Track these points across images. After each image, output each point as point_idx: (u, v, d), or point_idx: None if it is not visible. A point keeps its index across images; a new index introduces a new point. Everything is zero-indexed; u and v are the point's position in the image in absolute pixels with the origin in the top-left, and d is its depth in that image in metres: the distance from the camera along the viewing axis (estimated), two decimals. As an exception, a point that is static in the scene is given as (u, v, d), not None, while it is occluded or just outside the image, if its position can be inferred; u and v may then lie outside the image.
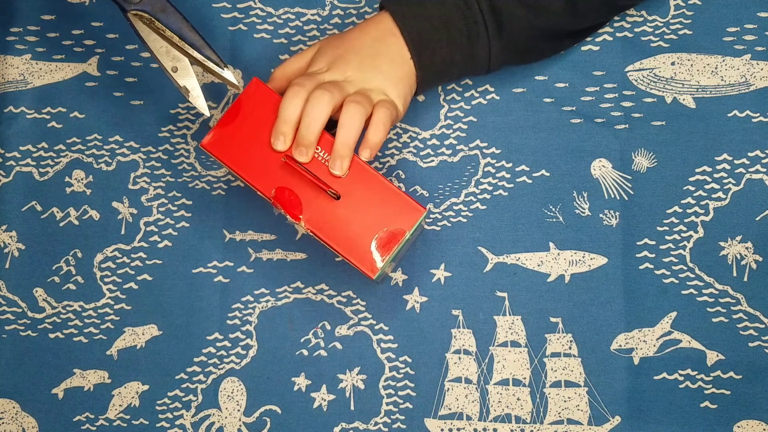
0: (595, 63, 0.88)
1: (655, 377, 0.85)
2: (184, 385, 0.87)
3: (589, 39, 0.88)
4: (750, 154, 0.86)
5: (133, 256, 0.88)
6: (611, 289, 0.86)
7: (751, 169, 0.86)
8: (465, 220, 0.87)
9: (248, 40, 0.90)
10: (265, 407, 0.86)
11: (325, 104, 0.73)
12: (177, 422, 0.86)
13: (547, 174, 0.87)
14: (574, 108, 0.88)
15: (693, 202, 0.86)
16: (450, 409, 0.85)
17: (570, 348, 0.85)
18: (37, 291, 0.88)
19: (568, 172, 0.87)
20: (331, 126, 0.76)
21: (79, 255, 0.88)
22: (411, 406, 0.85)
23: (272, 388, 0.86)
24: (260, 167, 0.75)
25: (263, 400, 0.86)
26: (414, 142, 0.89)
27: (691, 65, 0.88)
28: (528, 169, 0.88)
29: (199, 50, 0.73)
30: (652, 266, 0.86)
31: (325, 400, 0.86)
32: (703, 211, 0.86)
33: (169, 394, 0.86)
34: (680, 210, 0.86)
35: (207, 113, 0.75)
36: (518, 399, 0.85)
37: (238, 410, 0.86)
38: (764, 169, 0.86)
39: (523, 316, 0.86)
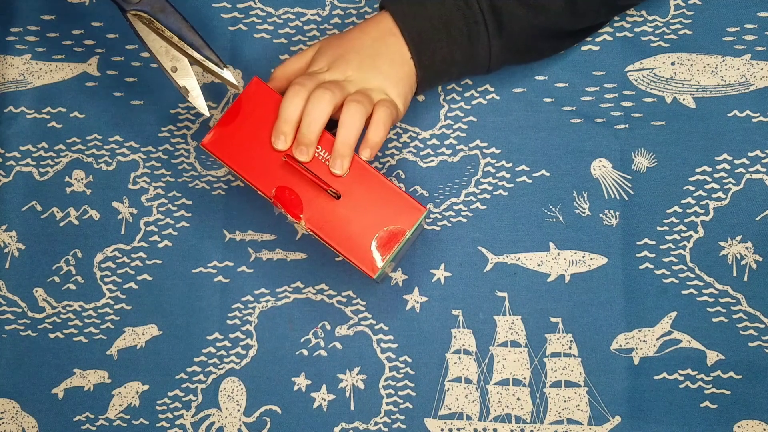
0: (595, 63, 0.88)
1: (655, 377, 0.85)
2: (184, 385, 0.86)
3: (589, 39, 0.89)
4: (750, 154, 0.86)
5: (133, 256, 0.88)
6: (611, 289, 0.86)
7: (751, 169, 0.86)
8: (465, 220, 0.87)
9: (248, 40, 0.90)
10: (265, 407, 0.86)
11: (326, 103, 0.73)
12: (177, 422, 0.86)
13: (547, 174, 0.87)
14: (574, 108, 0.88)
15: (693, 202, 0.86)
16: (450, 409, 0.85)
17: (570, 348, 0.85)
18: (37, 291, 0.88)
19: (568, 172, 0.87)
20: (332, 125, 0.76)
21: (79, 255, 0.88)
22: (411, 406, 0.85)
23: (272, 388, 0.86)
24: (261, 167, 0.75)
25: (263, 400, 0.86)
26: (414, 142, 0.89)
27: (691, 65, 0.88)
28: (528, 169, 0.88)
29: (198, 50, 0.73)
30: (652, 266, 0.86)
31: (325, 400, 0.86)
32: (703, 211, 0.86)
33: (169, 394, 0.86)
34: (680, 210, 0.86)
35: (207, 113, 0.75)
36: (518, 399, 0.85)
37: (238, 410, 0.86)
38: (764, 169, 0.86)
39: (523, 316, 0.86)
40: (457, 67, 0.81)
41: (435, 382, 0.86)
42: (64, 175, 0.89)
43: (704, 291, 0.85)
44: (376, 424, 0.85)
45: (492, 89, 0.89)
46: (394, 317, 0.87)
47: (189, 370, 0.87)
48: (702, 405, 0.84)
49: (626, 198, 0.87)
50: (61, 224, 0.88)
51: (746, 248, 0.86)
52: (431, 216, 0.87)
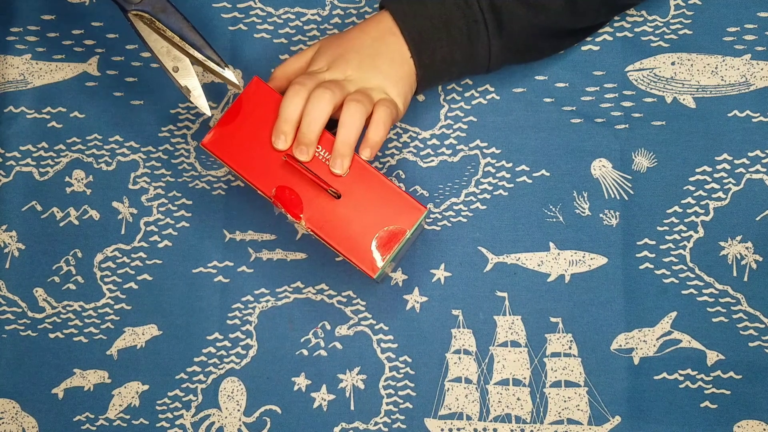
0: (595, 63, 0.88)
1: (655, 377, 0.85)
2: (184, 385, 0.86)
3: (589, 39, 0.89)
4: (750, 154, 0.86)
5: (133, 256, 0.88)
6: (611, 289, 0.86)
7: (751, 169, 0.86)
8: (465, 220, 0.87)
9: (248, 40, 0.90)
10: (265, 407, 0.86)
11: (326, 103, 0.73)
12: (177, 422, 0.86)
13: (547, 174, 0.87)
14: (574, 108, 0.88)
15: (693, 202, 0.86)
16: (450, 409, 0.85)
17: (570, 348, 0.85)
18: (37, 291, 0.88)
19: (568, 172, 0.87)
20: (332, 125, 0.76)
21: (79, 255, 0.88)
22: (411, 406, 0.85)
23: (272, 388, 0.86)
24: (261, 166, 0.75)
25: (263, 400, 0.86)
26: (414, 142, 0.89)
27: (691, 65, 0.88)
28: (528, 169, 0.88)
29: (199, 50, 0.73)
30: (652, 266, 0.86)
31: (325, 400, 0.86)
32: (703, 211, 0.86)
33: (169, 394, 0.86)
34: (680, 210, 0.86)
35: (208, 113, 0.75)
36: (518, 399, 0.85)
37: (238, 410, 0.86)
38: (764, 169, 0.86)
39: (523, 316, 0.86)
40: (457, 67, 0.81)
41: (435, 382, 0.86)
42: (64, 175, 0.89)
43: (704, 291, 0.85)
44: (376, 424, 0.85)
45: (492, 89, 0.89)
46: (394, 317, 0.87)
47: (189, 370, 0.87)
48: (702, 405, 0.84)
49: (626, 198, 0.87)
50: (61, 224, 0.88)
51: (746, 248, 0.86)
52: (431, 216, 0.87)
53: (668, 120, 0.87)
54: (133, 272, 0.88)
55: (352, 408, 0.86)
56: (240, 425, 0.86)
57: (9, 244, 0.88)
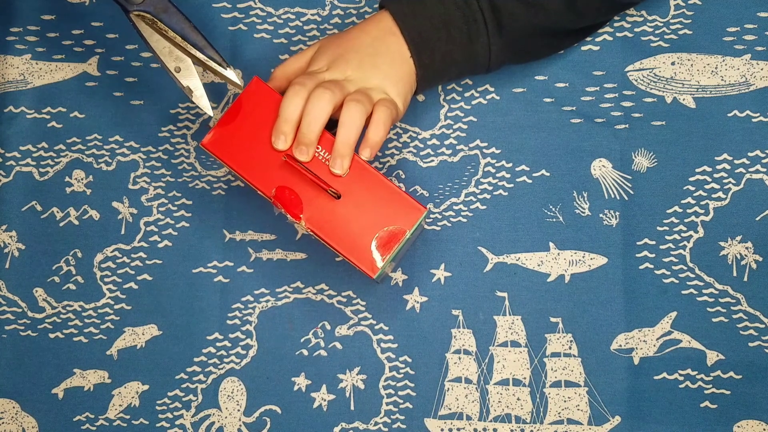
0: (595, 63, 0.88)
1: (655, 377, 0.85)
2: (184, 385, 0.86)
3: (589, 39, 0.89)
4: (750, 154, 0.86)
5: (133, 256, 0.88)
6: (611, 289, 0.86)
7: (751, 169, 0.86)
8: (465, 220, 0.87)
9: (248, 40, 0.90)
10: (265, 407, 0.86)
11: (326, 103, 0.73)
12: (177, 422, 0.86)
13: (547, 174, 0.87)
14: (574, 108, 0.88)
15: (693, 202, 0.86)
16: (450, 409, 0.85)
17: (570, 348, 0.85)
18: (37, 291, 0.88)
19: (568, 172, 0.87)
20: (332, 125, 0.76)
21: (79, 255, 0.88)
22: (411, 406, 0.85)
23: (272, 388, 0.86)
24: (261, 166, 0.75)
25: (263, 400, 0.86)
26: (414, 142, 0.89)
27: (691, 65, 0.88)
28: (528, 169, 0.88)
29: (201, 50, 0.73)
30: (652, 266, 0.86)
31: (325, 400, 0.86)
32: (703, 211, 0.86)
33: (169, 394, 0.86)
34: (680, 210, 0.86)
35: (210, 113, 0.75)
36: (518, 399, 0.85)
37: (238, 410, 0.86)
38: (764, 169, 0.86)
39: (523, 316, 0.86)
40: (456, 67, 0.81)
41: (435, 382, 0.86)
42: (64, 175, 0.89)
43: (704, 291, 0.85)
44: (376, 424, 0.85)
45: (492, 89, 0.89)
46: (394, 317, 0.87)
47: (189, 370, 0.87)
48: (702, 405, 0.84)
49: (626, 198, 0.87)
50: (61, 224, 0.88)
51: (746, 248, 0.86)
52: (431, 216, 0.87)
53: (668, 120, 0.87)
54: (133, 272, 0.88)
55: (352, 408, 0.86)
56: (240, 425, 0.86)
57: (9, 244, 0.88)
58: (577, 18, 0.83)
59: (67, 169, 0.89)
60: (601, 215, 0.87)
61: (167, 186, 0.89)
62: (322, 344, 0.86)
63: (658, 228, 0.86)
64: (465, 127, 0.89)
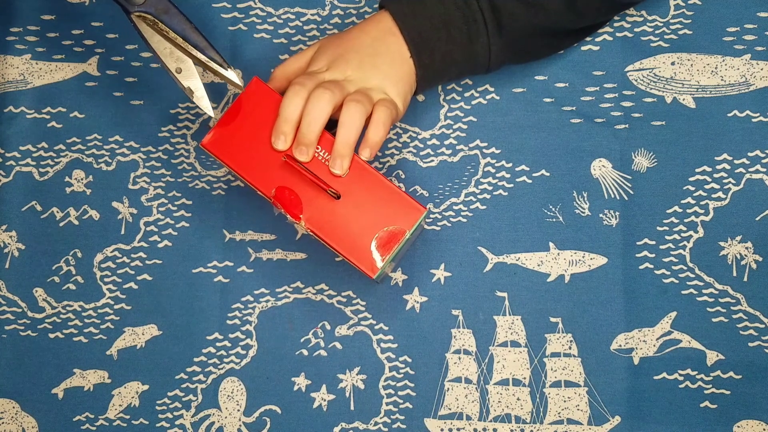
0: (595, 63, 0.88)
1: (655, 377, 0.85)
2: (184, 385, 0.86)
3: (589, 39, 0.88)
4: (750, 154, 0.86)
5: (133, 256, 0.88)
6: (611, 289, 0.86)
7: (751, 169, 0.86)
8: (465, 220, 0.87)
9: (248, 40, 0.90)
10: (265, 407, 0.86)
11: (326, 103, 0.73)
12: (177, 422, 0.86)
13: (547, 174, 0.87)
14: (574, 108, 0.88)
15: (693, 202, 0.86)
16: (450, 409, 0.85)
17: (570, 348, 0.85)
18: (37, 291, 0.88)
19: (568, 172, 0.87)
20: (332, 125, 0.76)
21: (79, 255, 0.88)
22: (411, 406, 0.85)
23: (272, 388, 0.86)
24: (260, 167, 0.75)
25: (263, 400, 0.86)
26: (414, 142, 0.89)
27: (691, 65, 0.88)
28: (528, 169, 0.88)
29: (202, 51, 0.73)
30: (652, 266, 0.86)
31: (325, 400, 0.86)
32: (703, 211, 0.86)
33: (169, 394, 0.86)
34: (680, 210, 0.86)
35: (212, 114, 0.75)
36: (518, 399, 0.85)
37: (238, 410, 0.86)
38: (764, 169, 0.86)
39: (523, 316, 0.86)
40: (456, 67, 0.81)
41: (435, 382, 0.86)
42: (64, 175, 0.89)
43: (704, 291, 0.85)
44: (376, 424, 0.85)
45: (492, 89, 0.89)
46: (394, 317, 0.87)
47: (189, 370, 0.87)
48: (702, 405, 0.84)
49: (626, 198, 0.86)
50: (61, 224, 0.88)
51: (746, 248, 0.86)
52: (431, 216, 0.87)
53: (668, 120, 0.87)
54: (133, 272, 0.88)
55: (352, 408, 0.86)
56: (240, 425, 0.86)
57: (9, 244, 0.88)
58: (577, 18, 0.83)
59: (67, 169, 0.89)
60: (601, 215, 0.87)
61: (167, 186, 0.89)
62: (322, 344, 0.86)
63: (658, 228, 0.86)
64: (465, 127, 0.89)
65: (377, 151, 0.78)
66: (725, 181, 0.86)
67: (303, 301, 0.87)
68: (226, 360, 0.86)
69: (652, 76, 0.88)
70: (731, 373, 0.84)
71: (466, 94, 0.89)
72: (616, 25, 0.89)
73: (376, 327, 0.86)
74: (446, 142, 0.88)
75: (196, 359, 0.87)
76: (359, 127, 0.74)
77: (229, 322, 0.87)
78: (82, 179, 0.89)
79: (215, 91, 0.89)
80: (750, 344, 0.85)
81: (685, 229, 0.86)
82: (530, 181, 0.87)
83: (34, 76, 0.90)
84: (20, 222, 0.88)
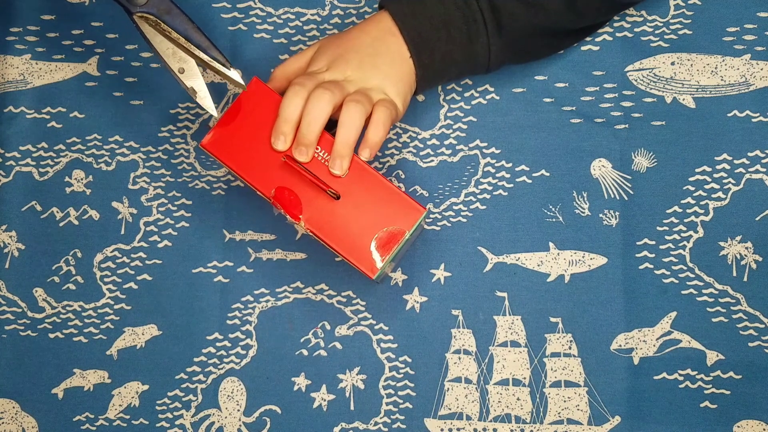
0: (595, 63, 0.88)
1: (655, 377, 0.85)
2: (184, 385, 0.87)
3: (588, 39, 0.88)
4: (750, 154, 0.86)
5: (133, 256, 0.88)
6: (611, 289, 0.86)
7: (751, 169, 0.86)
8: (465, 220, 0.87)
9: (248, 40, 0.90)
10: (265, 407, 0.86)
11: (326, 103, 0.73)
12: (177, 422, 0.86)
13: (547, 174, 0.87)
14: (574, 108, 0.88)
15: (693, 202, 0.86)
16: (450, 409, 0.85)
17: (570, 348, 0.85)
18: (37, 291, 0.88)
19: (568, 172, 0.87)
20: (331, 126, 0.76)
21: (79, 255, 0.88)
22: (411, 406, 0.85)
23: (272, 388, 0.86)
24: (260, 167, 0.75)
25: (263, 400, 0.86)
26: (414, 142, 0.89)
27: (691, 65, 0.88)
28: (528, 169, 0.88)
29: (205, 51, 0.73)
30: (652, 266, 0.86)
31: (325, 400, 0.86)
32: (703, 211, 0.86)
33: (169, 394, 0.86)
34: (680, 210, 0.86)
35: (215, 113, 0.75)
36: (518, 399, 0.85)
37: (238, 410, 0.86)
38: (764, 169, 0.86)
39: (523, 316, 0.86)
40: (456, 67, 0.81)
41: (435, 382, 0.86)
42: (64, 175, 0.89)
43: (704, 291, 0.85)
44: (376, 424, 0.85)
45: (492, 89, 0.89)
46: (394, 317, 0.87)
47: (189, 370, 0.87)
48: (702, 405, 0.84)
49: (626, 198, 0.86)
50: (61, 224, 0.89)
51: (746, 248, 0.86)
52: (431, 216, 0.87)
53: (668, 120, 0.87)
54: (132, 272, 0.88)
55: (352, 408, 0.86)
56: (240, 425, 0.86)
57: (9, 244, 0.88)
58: (577, 18, 0.83)
59: (66, 169, 0.89)
60: (600, 215, 0.87)
61: (167, 186, 0.89)
62: (322, 344, 0.86)
63: (658, 228, 0.86)
64: (465, 127, 0.89)
65: (377, 152, 0.78)
66: (725, 181, 0.86)
67: (303, 301, 0.87)
68: (226, 360, 0.86)
69: (652, 76, 0.88)
70: (731, 373, 0.84)
71: (466, 94, 0.89)
72: (616, 25, 0.88)
73: (376, 327, 0.86)
74: (446, 142, 0.88)
75: (196, 359, 0.87)
76: (359, 128, 0.74)
77: (229, 322, 0.87)
78: (82, 179, 0.89)
79: (215, 91, 0.89)
80: (750, 344, 0.85)
81: (685, 229, 0.86)
82: (530, 181, 0.87)
83: (34, 76, 0.90)
84: (20, 222, 0.88)
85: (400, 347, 0.86)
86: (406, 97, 0.80)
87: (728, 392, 0.84)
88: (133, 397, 0.86)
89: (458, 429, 0.85)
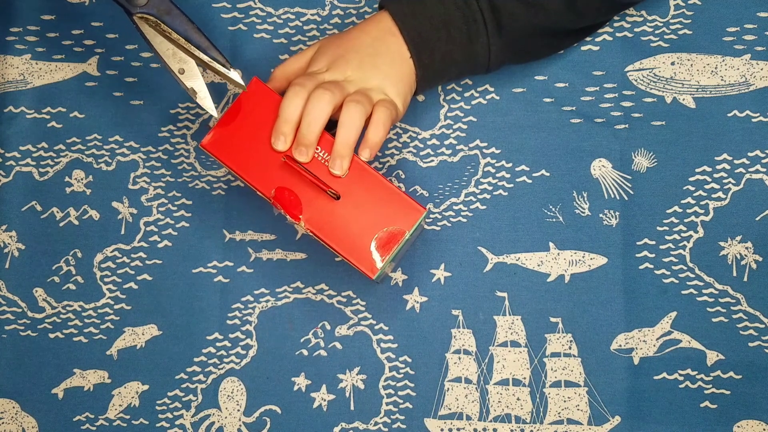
0: (595, 63, 0.88)
1: (655, 377, 0.85)
2: (184, 385, 0.87)
3: (588, 39, 0.88)
4: (750, 154, 0.86)
5: (133, 256, 0.88)
6: (611, 289, 0.86)
7: (751, 169, 0.86)
8: (465, 220, 0.87)
9: (248, 40, 0.90)
10: (265, 407, 0.86)
11: (326, 103, 0.73)
12: (177, 422, 0.86)
13: (547, 174, 0.87)
14: (574, 108, 0.88)
15: (693, 202, 0.86)
16: (450, 409, 0.85)
17: (570, 348, 0.85)
18: (37, 291, 0.88)
19: (568, 172, 0.87)
20: (331, 126, 0.76)
21: (79, 255, 0.88)
22: (411, 406, 0.85)
23: (272, 388, 0.86)
24: (260, 167, 0.75)
25: (263, 400, 0.86)
26: (414, 142, 0.89)
27: (691, 65, 0.88)
28: (528, 169, 0.88)
29: (205, 51, 0.73)
30: (652, 266, 0.86)
31: (325, 400, 0.86)
32: (703, 211, 0.86)
33: (169, 394, 0.86)
34: (680, 210, 0.86)
35: (215, 114, 0.75)
36: (518, 399, 0.85)
37: (238, 410, 0.86)
38: (764, 169, 0.86)
39: (523, 316, 0.86)
40: (456, 67, 0.81)
41: (435, 382, 0.86)
42: (64, 175, 0.89)
43: (704, 291, 0.85)
44: (376, 424, 0.85)
45: (492, 89, 0.89)
46: (394, 317, 0.87)
47: (189, 370, 0.87)
48: (702, 405, 0.84)
49: (626, 198, 0.86)
50: (61, 224, 0.89)
51: (746, 248, 0.86)
52: (431, 216, 0.87)
53: (668, 120, 0.87)
54: (133, 272, 0.88)
55: (352, 408, 0.86)
56: (240, 425, 0.86)
57: (9, 244, 0.88)
58: (577, 18, 0.83)
59: (67, 169, 0.89)
60: (601, 215, 0.87)
61: (167, 186, 0.89)
62: (322, 344, 0.86)
63: (658, 228, 0.86)
64: (465, 127, 0.89)
65: (377, 152, 0.78)
66: (725, 181, 0.86)
67: (303, 301, 0.87)
68: (226, 360, 0.86)
69: (652, 76, 0.88)
70: (731, 373, 0.84)
71: (466, 94, 0.89)
72: (616, 25, 0.88)
73: (376, 327, 0.86)
74: (446, 142, 0.88)
75: (196, 359, 0.87)
76: (359, 128, 0.74)
77: (229, 322, 0.87)
78: (82, 179, 0.89)
79: (215, 91, 0.89)
80: (750, 344, 0.85)
81: (685, 229, 0.86)
82: (530, 181, 0.87)
83: (34, 76, 0.90)
84: (20, 222, 0.88)
85: (400, 347, 0.86)
86: (406, 97, 0.80)
87: (728, 392, 0.84)
88: (133, 397, 0.86)
89: (458, 429, 0.85)
